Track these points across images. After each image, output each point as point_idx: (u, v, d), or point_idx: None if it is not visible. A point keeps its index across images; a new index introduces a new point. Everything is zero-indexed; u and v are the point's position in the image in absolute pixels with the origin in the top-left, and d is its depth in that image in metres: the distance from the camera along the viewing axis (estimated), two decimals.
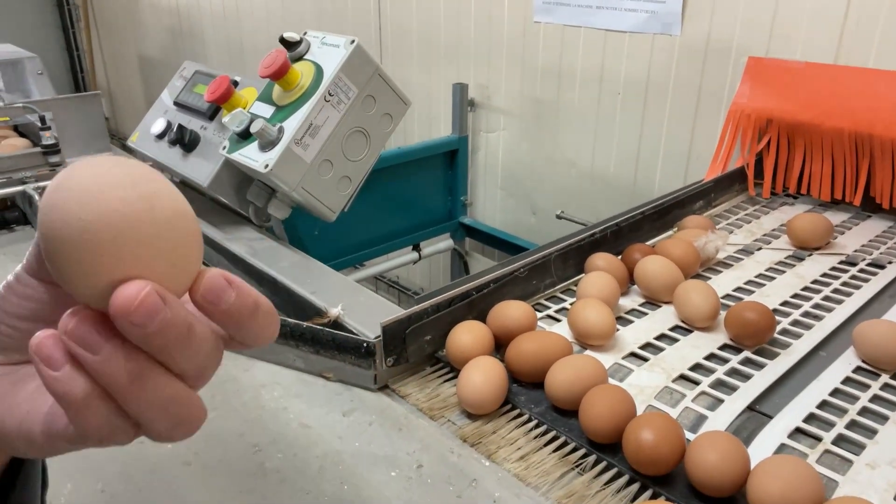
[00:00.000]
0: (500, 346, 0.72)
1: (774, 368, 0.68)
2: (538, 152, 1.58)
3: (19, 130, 1.48)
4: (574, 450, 0.59)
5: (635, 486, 0.55)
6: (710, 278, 0.87)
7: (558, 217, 1.50)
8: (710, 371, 0.68)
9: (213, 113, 1.00)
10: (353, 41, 0.86)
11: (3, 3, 3.40)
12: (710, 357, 0.70)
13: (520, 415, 0.64)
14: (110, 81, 3.73)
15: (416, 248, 1.71)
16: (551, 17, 1.42)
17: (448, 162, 1.68)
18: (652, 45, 1.28)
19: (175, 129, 1.01)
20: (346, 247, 1.52)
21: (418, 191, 1.65)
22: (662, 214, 0.97)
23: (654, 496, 0.54)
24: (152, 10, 3.02)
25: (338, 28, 1.99)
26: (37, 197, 1.04)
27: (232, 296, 0.27)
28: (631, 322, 0.77)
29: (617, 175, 1.42)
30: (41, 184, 1.07)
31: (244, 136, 0.88)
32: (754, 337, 0.70)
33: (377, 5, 1.84)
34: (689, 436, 0.58)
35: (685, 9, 1.22)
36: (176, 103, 1.08)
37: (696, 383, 0.66)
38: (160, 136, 1.05)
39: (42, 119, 1.19)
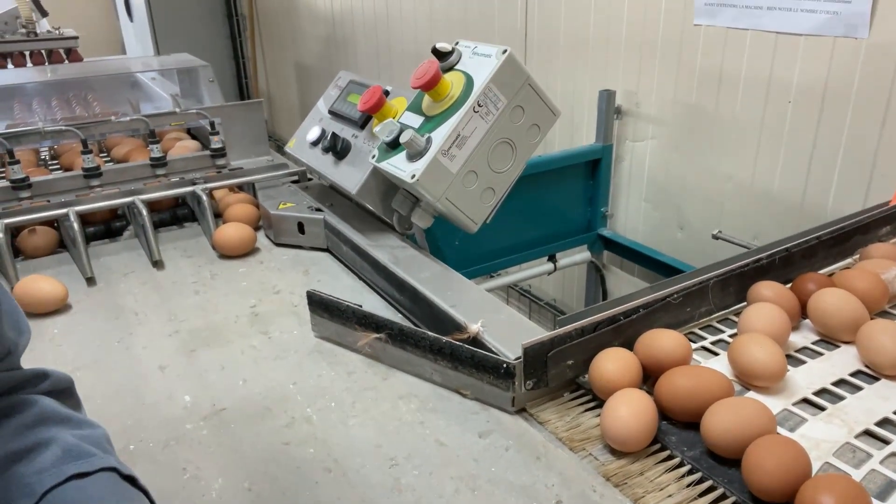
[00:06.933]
0: (647, 377, 0.67)
1: None
2: (690, 163, 1.48)
3: (191, 133, 1.62)
4: None
5: None
6: None
7: (715, 237, 1.39)
8: None
9: (364, 122, 1.03)
10: (504, 51, 0.84)
11: (183, 16, 3.77)
12: None
13: (670, 457, 0.58)
14: (269, 86, 4.02)
15: (552, 258, 1.66)
16: (714, 19, 1.32)
17: (590, 171, 1.62)
18: (832, 48, 1.15)
19: (328, 137, 1.05)
20: (481, 254, 1.51)
21: (557, 200, 1.61)
22: (841, 240, 0.86)
23: None
24: (310, 18, 3.21)
25: (484, 31, 1.99)
26: (205, 197, 1.12)
27: None
28: (803, 363, 0.68)
29: (782, 191, 1.29)
30: (209, 185, 1.16)
31: (393, 145, 0.89)
32: None
33: (524, 8, 1.82)
34: None
35: (875, 8, 1.08)
36: (330, 112, 1.12)
37: (886, 442, 0.57)
38: (314, 144, 1.10)
39: (212, 124, 1.29)
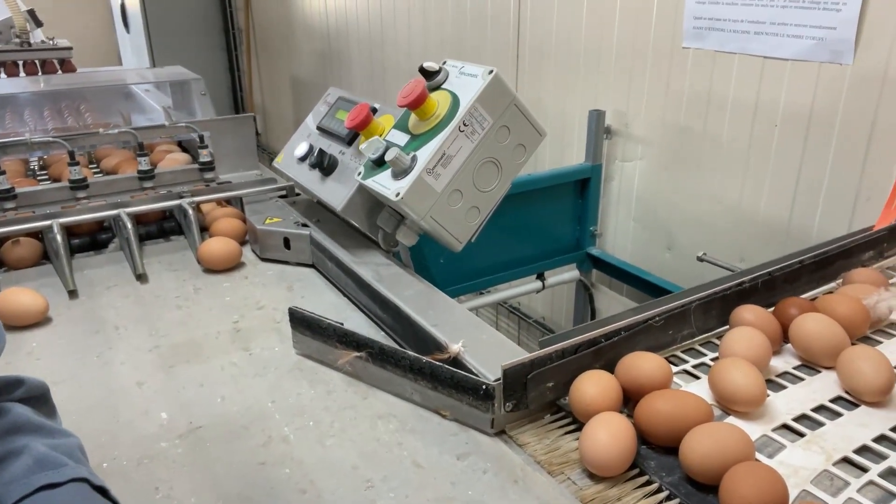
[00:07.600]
0: (627, 400, 0.66)
1: None
2: (678, 184, 1.49)
3: (182, 145, 1.62)
4: None
5: None
6: (881, 343, 0.75)
7: (700, 259, 1.40)
8: (882, 457, 0.58)
9: (351, 138, 1.03)
10: (491, 71, 0.85)
11: (179, 29, 3.79)
12: (882, 439, 0.61)
13: (649, 482, 0.58)
14: (265, 100, 4.04)
15: (541, 276, 1.66)
16: (703, 42, 1.33)
17: (579, 190, 1.63)
18: (818, 74, 1.16)
19: (316, 153, 1.05)
20: (470, 272, 1.50)
21: (546, 219, 1.61)
22: (824, 265, 0.87)
23: None
24: (306, 33, 3.23)
25: (476, 50, 2.01)
26: (191, 211, 1.12)
27: None
28: (783, 388, 0.68)
29: (768, 214, 1.30)
30: (196, 199, 1.16)
31: (379, 163, 0.89)
32: None
33: (516, 28, 1.83)
34: None
35: (860, 35, 1.09)
36: (319, 128, 1.12)
37: (864, 470, 0.57)
38: (302, 159, 1.09)
39: (201, 138, 1.29)
